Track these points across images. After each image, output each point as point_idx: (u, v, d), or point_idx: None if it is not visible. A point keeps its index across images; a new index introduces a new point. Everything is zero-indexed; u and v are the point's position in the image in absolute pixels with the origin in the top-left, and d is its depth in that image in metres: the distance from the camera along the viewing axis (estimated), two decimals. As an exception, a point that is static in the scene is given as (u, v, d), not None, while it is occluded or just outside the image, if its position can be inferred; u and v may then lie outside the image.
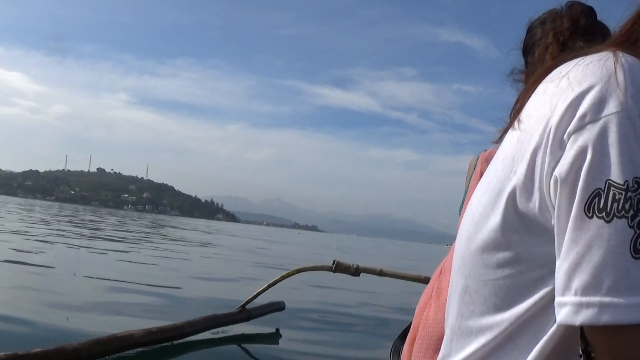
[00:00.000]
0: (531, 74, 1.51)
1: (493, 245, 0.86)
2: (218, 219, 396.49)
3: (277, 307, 6.78)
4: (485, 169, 1.90)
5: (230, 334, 5.88)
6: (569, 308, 0.71)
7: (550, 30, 1.54)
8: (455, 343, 0.96)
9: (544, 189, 0.77)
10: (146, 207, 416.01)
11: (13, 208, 49.61)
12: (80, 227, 27.12)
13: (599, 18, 1.57)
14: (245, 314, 6.05)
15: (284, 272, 5.77)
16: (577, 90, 0.75)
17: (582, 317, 0.70)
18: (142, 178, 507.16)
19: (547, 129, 0.76)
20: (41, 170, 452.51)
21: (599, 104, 0.72)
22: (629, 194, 0.69)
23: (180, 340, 5.19)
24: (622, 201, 0.69)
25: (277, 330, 6.42)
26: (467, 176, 2.09)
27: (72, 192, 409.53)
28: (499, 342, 0.87)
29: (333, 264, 5.27)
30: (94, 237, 20.25)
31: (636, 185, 0.69)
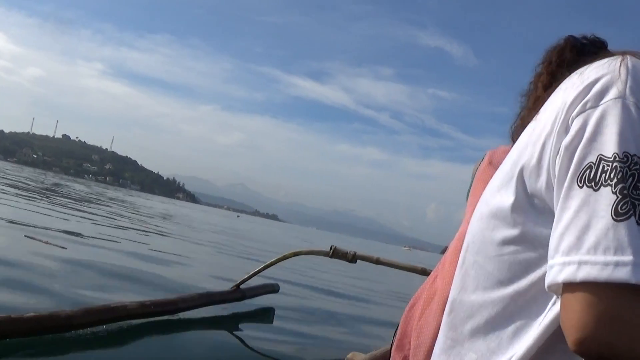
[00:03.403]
0: (528, 95, 1.68)
1: (502, 222, 0.93)
2: (178, 198, 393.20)
3: (272, 289, 6.77)
4: (494, 158, 1.94)
5: (223, 312, 5.81)
6: (555, 268, 0.77)
7: (544, 60, 1.69)
8: (455, 319, 1.03)
9: (550, 170, 0.84)
10: (107, 178, 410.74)
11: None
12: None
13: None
14: (239, 293, 5.98)
15: (280, 255, 5.70)
16: (586, 82, 0.84)
17: (563, 275, 0.75)
18: (107, 149, 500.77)
19: (558, 116, 0.85)
20: (6, 130, 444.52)
21: (602, 93, 0.82)
22: (615, 164, 0.76)
23: (173, 315, 5.11)
24: (609, 171, 0.76)
25: (271, 312, 6.38)
26: (474, 168, 2.16)
27: (35, 156, 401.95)
28: (500, 321, 0.92)
29: (330, 249, 5.26)
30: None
31: (625, 158, 0.76)
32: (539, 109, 1.55)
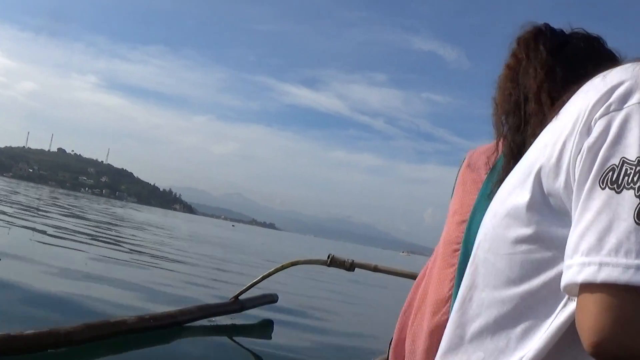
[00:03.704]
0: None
1: (516, 221, 0.93)
2: (175, 209, 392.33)
3: (270, 299, 6.75)
4: (472, 160, 1.97)
5: (222, 324, 5.80)
6: (574, 268, 0.77)
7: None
8: (464, 316, 1.01)
9: (570, 170, 0.84)
10: (103, 191, 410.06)
11: None
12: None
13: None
14: (238, 304, 5.98)
15: (278, 265, 5.71)
16: (609, 85, 0.84)
17: (583, 275, 0.75)
18: (102, 162, 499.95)
19: (579, 117, 0.85)
20: (1, 145, 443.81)
21: (625, 97, 0.82)
22: (639, 168, 0.76)
23: (173, 328, 5.12)
24: (632, 175, 0.76)
25: (270, 322, 6.38)
26: (459, 169, 2.15)
27: (31, 170, 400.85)
28: (509, 321, 0.92)
29: (328, 258, 5.25)
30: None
31: None
32: (509, 87, 1.63)
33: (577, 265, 0.76)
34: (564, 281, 0.79)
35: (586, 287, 0.75)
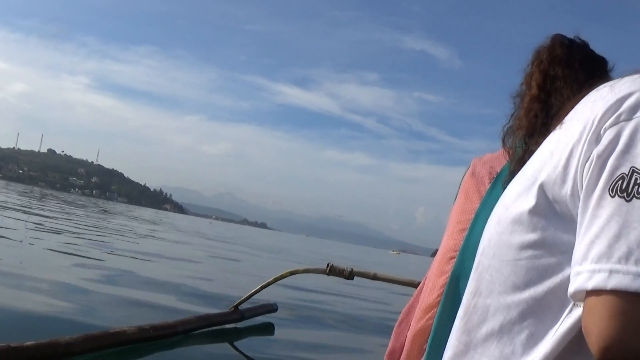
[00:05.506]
0: (521, 96, 1.71)
1: (521, 227, 0.93)
2: (166, 209, 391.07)
3: (270, 308, 6.76)
4: (476, 169, 1.98)
5: (222, 333, 5.81)
6: (583, 275, 0.78)
7: (534, 60, 1.72)
8: (468, 323, 1.01)
9: (577, 177, 0.85)
10: (94, 192, 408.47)
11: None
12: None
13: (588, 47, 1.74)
14: (238, 314, 6.00)
15: (278, 274, 5.72)
16: (618, 96, 0.85)
17: (593, 282, 0.76)
18: (92, 162, 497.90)
19: (587, 126, 0.86)
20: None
21: (635, 107, 0.83)
22: None
23: (173, 338, 5.12)
24: None
25: (270, 331, 6.39)
26: (463, 176, 2.18)
27: (20, 172, 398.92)
28: (515, 327, 0.92)
29: (327, 267, 5.26)
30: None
31: None
32: (536, 108, 1.61)
33: (587, 272, 0.77)
34: (572, 287, 0.80)
35: (595, 294, 0.76)
